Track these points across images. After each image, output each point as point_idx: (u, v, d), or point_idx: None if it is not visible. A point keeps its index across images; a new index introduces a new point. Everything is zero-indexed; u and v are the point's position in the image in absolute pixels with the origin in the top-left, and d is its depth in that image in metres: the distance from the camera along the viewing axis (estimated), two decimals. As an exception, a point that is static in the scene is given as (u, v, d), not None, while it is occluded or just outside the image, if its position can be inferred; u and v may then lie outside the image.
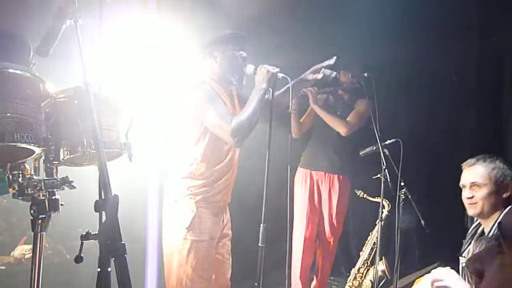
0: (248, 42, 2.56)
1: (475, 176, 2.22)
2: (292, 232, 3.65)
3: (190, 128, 2.48)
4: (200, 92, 2.38)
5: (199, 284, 2.45)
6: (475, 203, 2.20)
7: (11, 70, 1.63)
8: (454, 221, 3.60)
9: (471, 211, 2.23)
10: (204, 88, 2.38)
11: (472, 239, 2.25)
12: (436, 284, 1.90)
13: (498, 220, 2.12)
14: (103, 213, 1.32)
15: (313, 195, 3.81)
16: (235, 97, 2.64)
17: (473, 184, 2.22)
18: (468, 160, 2.29)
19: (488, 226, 2.19)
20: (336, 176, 3.84)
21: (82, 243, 1.40)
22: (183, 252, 2.44)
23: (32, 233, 1.72)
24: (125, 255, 1.27)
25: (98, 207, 1.31)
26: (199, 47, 2.57)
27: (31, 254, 1.73)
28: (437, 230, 3.96)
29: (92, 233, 1.42)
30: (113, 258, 1.26)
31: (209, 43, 2.52)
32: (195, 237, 2.44)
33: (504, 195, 2.18)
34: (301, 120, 3.89)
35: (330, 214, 3.83)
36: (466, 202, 2.26)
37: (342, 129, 3.73)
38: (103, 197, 1.33)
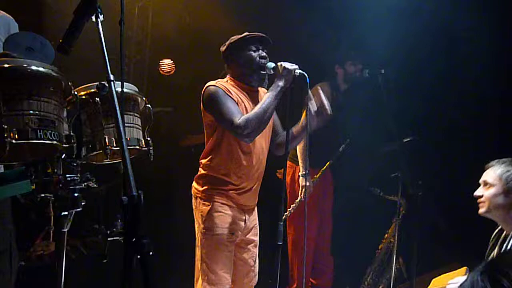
0: (267, 42, 2.56)
1: (488, 176, 2.24)
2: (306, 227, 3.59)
3: (207, 127, 2.57)
4: (210, 94, 2.47)
5: (219, 278, 2.48)
6: (483, 202, 2.23)
7: (34, 68, 1.64)
8: (472, 220, 3.54)
9: (479, 210, 2.25)
10: (213, 90, 2.47)
11: (496, 244, 2.23)
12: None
13: None
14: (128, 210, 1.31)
15: (317, 192, 3.68)
16: (260, 96, 2.64)
17: (484, 183, 2.24)
18: (491, 162, 2.29)
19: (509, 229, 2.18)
20: (328, 170, 3.75)
21: (107, 242, 1.39)
22: (202, 245, 2.51)
23: (50, 229, 1.73)
24: (150, 253, 1.27)
25: (123, 204, 1.30)
26: (221, 51, 2.62)
27: (49, 250, 1.74)
28: (455, 229, 3.91)
29: (115, 230, 1.42)
30: (138, 256, 1.26)
31: (228, 47, 2.57)
32: (211, 231, 2.49)
33: None
34: None
35: (329, 210, 3.84)
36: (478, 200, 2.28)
37: None
38: (127, 194, 1.32)
